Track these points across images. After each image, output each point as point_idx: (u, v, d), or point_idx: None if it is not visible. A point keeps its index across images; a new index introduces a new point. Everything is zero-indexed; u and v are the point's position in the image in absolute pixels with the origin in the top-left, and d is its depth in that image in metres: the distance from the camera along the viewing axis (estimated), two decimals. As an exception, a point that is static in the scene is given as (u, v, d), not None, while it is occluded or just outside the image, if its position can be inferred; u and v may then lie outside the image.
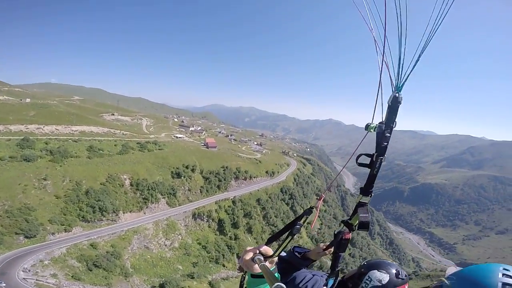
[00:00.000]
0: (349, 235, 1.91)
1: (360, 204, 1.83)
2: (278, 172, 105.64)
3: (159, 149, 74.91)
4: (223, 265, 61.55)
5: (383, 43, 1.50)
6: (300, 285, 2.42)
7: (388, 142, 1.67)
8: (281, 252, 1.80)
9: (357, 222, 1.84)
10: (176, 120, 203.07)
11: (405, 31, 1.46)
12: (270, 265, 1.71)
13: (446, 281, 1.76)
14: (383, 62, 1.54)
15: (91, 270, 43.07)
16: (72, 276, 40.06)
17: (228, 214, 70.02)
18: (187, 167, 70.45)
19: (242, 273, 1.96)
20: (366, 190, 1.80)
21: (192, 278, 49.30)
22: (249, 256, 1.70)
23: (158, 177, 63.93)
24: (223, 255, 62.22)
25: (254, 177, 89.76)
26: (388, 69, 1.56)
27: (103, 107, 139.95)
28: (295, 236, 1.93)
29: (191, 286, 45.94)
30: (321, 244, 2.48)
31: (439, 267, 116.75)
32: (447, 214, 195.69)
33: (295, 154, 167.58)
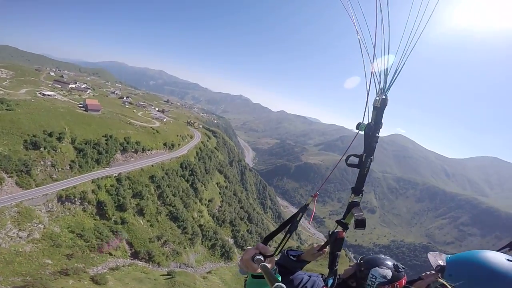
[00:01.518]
0: (343, 234, 1.96)
1: (353, 204, 1.89)
2: (179, 144, 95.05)
3: (6, 109, 51.33)
4: (110, 254, 50.39)
5: (373, 51, 1.59)
6: (298, 287, 2.37)
7: (377, 142, 1.75)
8: (280, 250, 1.88)
9: (352, 220, 1.87)
10: (53, 74, 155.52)
11: (388, 37, 1.55)
12: (271, 265, 1.72)
13: (443, 281, 1.70)
14: (370, 66, 1.61)
15: None
16: None
17: (111, 195, 56.60)
18: (50, 135, 51.04)
19: (245, 276, 1.93)
20: (357, 189, 1.87)
21: (67, 275, 37.37)
22: (249, 256, 1.71)
23: (1, 149, 43.76)
24: (107, 242, 50.50)
25: (148, 150, 76.51)
26: (374, 74, 1.63)
27: None
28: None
29: (66, 286, 34.50)
30: (315, 245, 2.46)
31: (315, 240, 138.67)
32: (320, 191, 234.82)
33: (200, 126, 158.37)
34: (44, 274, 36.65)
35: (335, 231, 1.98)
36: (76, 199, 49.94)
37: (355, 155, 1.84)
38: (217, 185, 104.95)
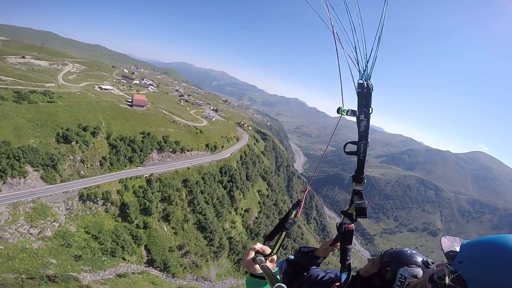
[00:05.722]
0: (352, 226, 1.84)
1: (354, 192, 1.80)
2: (222, 146, 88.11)
3: (48, 102, 50.60)
4: (123, 258, 45.89)
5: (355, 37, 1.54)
6: (314, 282, 2.31)
7: (365, 127, 1.68)
8: (279, 248, 1.79)
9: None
10: (126, 71, 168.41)
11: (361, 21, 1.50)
12: (272, 265, 1.73)
13: (447, 270, 1.32)
14: (349, 51, 1.56)
15: None
16: None
17: (138, 197, 52.18)
18: (84, 129, 48.95)
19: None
20: (357, 177, 1.77)
21: (54, 282, 32.75)
22: (250, 256, 1.69)
23: (32, 141, 42.24)
24: (122, 247, 45.90)
25: (188, 151, 70.92)
26: (357, 60, 1.59)
27: (25, 49, 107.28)
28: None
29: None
30: (328, 240, 2.37)
31: (358, 257, 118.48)
32: (375, 206, 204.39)
33: (249, 127, 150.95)
34: (42, 273, 32.85)
35: (343, 222, 1.83)
36: (98, 199, 46.26)
37: (352, 142, 1.75)
38: (258, 193, 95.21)
